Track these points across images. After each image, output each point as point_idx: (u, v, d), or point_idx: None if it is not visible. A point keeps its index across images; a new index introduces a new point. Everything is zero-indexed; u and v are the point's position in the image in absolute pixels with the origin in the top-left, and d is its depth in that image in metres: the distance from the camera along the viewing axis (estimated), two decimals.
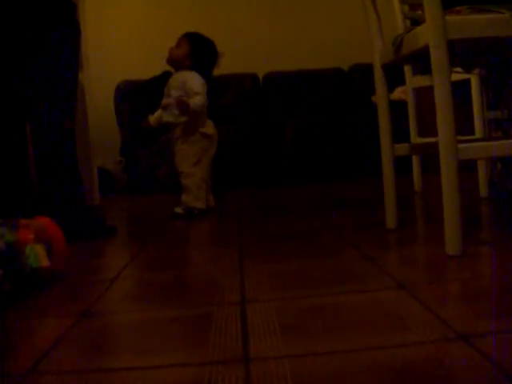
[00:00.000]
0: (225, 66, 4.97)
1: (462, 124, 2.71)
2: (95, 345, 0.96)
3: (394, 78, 3.41)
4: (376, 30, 1.82)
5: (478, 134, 2.49)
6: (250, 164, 4.32)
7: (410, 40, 1.55)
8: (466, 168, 2.32)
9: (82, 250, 1.92)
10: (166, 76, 4.51)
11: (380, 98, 1.83)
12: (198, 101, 2.60)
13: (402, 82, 3.04)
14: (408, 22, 2.65)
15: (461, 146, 1.39)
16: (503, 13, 1.44)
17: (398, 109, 3.54)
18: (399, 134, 2.99)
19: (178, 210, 2.63)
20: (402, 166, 2.19)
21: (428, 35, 1.41)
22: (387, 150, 1.82)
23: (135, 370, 0.85)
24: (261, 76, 5.03)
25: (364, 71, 4.62)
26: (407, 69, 2.88)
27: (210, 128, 2.71)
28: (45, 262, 1.40)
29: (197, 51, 2.69)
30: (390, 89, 4.33)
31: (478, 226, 1.86)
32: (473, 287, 1.13)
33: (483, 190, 2.49)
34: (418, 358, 0.80)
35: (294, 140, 4.30)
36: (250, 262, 1.53)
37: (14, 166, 2.17)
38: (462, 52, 1.68)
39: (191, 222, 2.48)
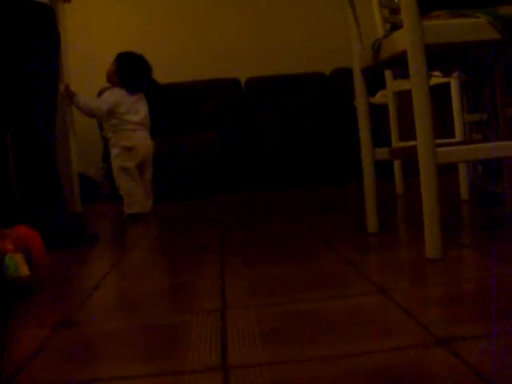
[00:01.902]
0: (207, 71, 5.01)
1: (443, 127, 2.74)
2: (74, 356, 0.95)
3: (377, 81, 3.45)
4: (355, 34, 1.83)
5: (458, 136, 2.51)
6: (233, 169, 4.31)
7: (389, 44, 1.56)
8: (448, 169, 2.35)
9: (63, 258, 1.91)
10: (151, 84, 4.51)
11: (360, 102, 1.84)
12: (89, 100, 3.02)
13: (384, 86, 3.05)
14: (388, 27, 2.65)
15: (439, 149, 1.40)
16: (479, 17, 1.45)
17: (380, 112, 3.57)
18: (383, 137, 3.02)
19: (126, 215, 2.94)
20: (385, 170, 2.21)
21: (406, 40, 1.42)
22: (367, 155, 1.83)
23: (114, 380, 0.84)
24: (243, 81, 5.03)
25: (345, 75, 4.62)
26: (388, 73, 2.90)
27: (130, 141, 2.94)
28: (24, 272, 1.39)
29: (122, 68, 2.98)
30: (373, 93, 4.38)
31: (458, 229, 1.87)
32: (452, 291, 1.14)
33: (464, 193, 2.50)
34: (398, 364, 0.80)
35: (277, 145, 4.30)
36: (231, 267, 1.53)
37: None
38: (440, 56, 1.69)
39: (173, 228, 2.47)
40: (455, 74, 2.30)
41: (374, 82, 3.20)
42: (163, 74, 4.80)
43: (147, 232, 2.48)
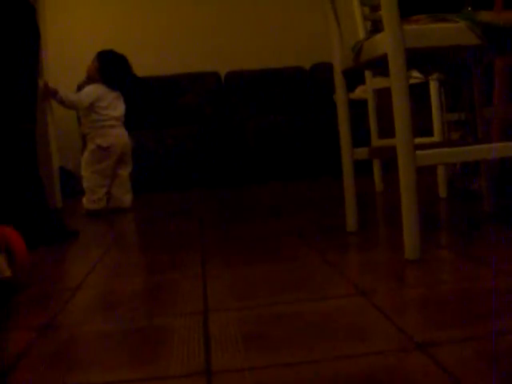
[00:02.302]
0: (187, 65, 5.01)
1: (421, 125, 2.77)
2: (57, 360, 0.96)
3: (355, 77, 3.47)
4: (336, 35, 1.85)
5: (437, 135, 2.54)
6: (212, 163, 4.32)
7: (369, 47, 1.58)
8: (426, 167, 2.38)
9: (44, 257, 1.91)
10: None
11: (340, 103, 1.86)
12: (71, 93, 3.05)
13: (363, 81, 3.08)
14: (368, 24, 2.69)
15: (419, 152, 1.42)
16: (459, 22, 1.47)
17: (359, 108, 3.59)
18: (361, 132, 3.05)
19: (83, 211, 3.04)
20: (363, 166, 2.23)
21: (386, 44, 1.44)
22: (347, 154, 1.85)
23: None
24: (223, 75, 5.04)
25: (325, 70, 4.65)
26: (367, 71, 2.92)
27: (106, 139, 3.02)
28: (6, 273, 1.39)
29: (104, 66, 3.06)
30: (351, 88, 4.40)
31: (436, 229, 1.89)
32: (430, 295, 1.16)
33: (442, 191, 2.54)
34: (376, 369, 0.82)
35: (256, 139, 4.32)
36: (212, 268, 1.54)
37: None
38: (419, 57, 1.71)
39: (153, 224, 2.48)
40: (434, 76, 2.32)
41: (353, 77, 3.23)
42: (143, 66, 4.78)
43: (127, 228, 2.49)
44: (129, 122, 4.36)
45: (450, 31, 1.46)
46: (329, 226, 2.07)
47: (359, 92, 4.35)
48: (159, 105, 4.65)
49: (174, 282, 1.44)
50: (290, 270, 1.46)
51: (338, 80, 1.85)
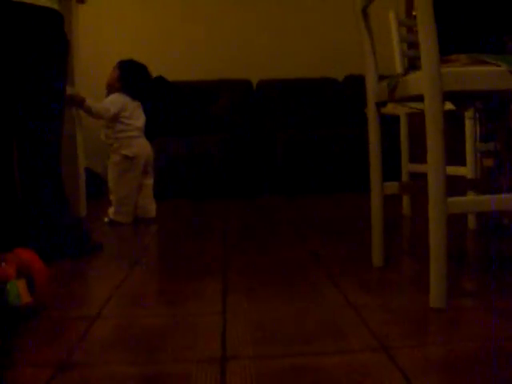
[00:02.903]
0: (218, 71, 4.99)
1: (453, 152, 2.71)
2: None
3: None
4: (371, 67, 1.81)
5: (469, 164, 2.48)
6: (240, 174, 4.29)
7: (405, 85, 1.54)
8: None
9: (64, 274, 1.90)
10: (159, 81, 4.51)
11: (372, 135, 1.82)
12: (98, 104, 2.96)
13: None
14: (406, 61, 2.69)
15: (450, 200, 1.38)
16: (499, 65, 1.42)
17: (391, 124, 3.53)
18: (392, 153, 2.99)
19: (106, 219, 3.01)
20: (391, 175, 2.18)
21: (423, 85, 1.40)
22: (377, 189, 1.81)
23: None
24: (255, 83, 5.01)
25: (358, 82, 4.59)
26: None
27: (132, 150, 3.00)
28: (26, 299, 1.39)
29: (125, 75, 3.04)
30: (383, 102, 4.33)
31: (463, 268, 1.85)
32: (454, 354, 1.12)
33: (471, 222, 2.48)
34: None
35: (285, 153, 4.28)
36: (232, 302, 1.52)
37: (0, 183, 2.14)
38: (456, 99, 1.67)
39: (176, 241, 2.48)
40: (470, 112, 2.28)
41: None
42: (173, 71, 4.80)
43: (150, 244, 2.48)
44: (157, 127, 4.39)
45: (491, 75, 1.41)
46: (355, 256, 2.03)
47: (391, 108, 4.29)
48: (188, 111, 4.63)
49: (194, 318, 1.42)
50: (311, 310, 1.44)
51: (372, 112, 1.81)
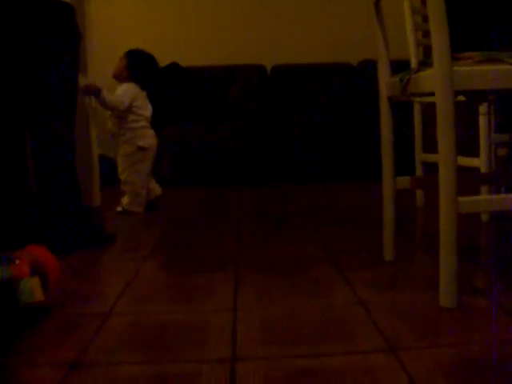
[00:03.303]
0: (233, 57, 4.97)
1: (468, 143, 2.69)
2: None
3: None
4: (384, 62, 1.80)
5: (483, 155, 2.46)
6: (253, 160, 4.29)
7: (417, 82, 1.53)
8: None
9: (76, 268, 1.92)
10: (173, 67, 4.50)
11: (384, 129, 1.81)
12: (111, 96, 2.94)
13: None
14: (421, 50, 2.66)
15: (461, 199, 1.37)
16: None
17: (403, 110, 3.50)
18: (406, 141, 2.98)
19: (119, 208, 3.04)
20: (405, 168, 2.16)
21: (435, 83, 1.39)
22: (388, 184, 1.81)
23: None
24: (269, 68, 4.99)
25: (373, 67, 4.55)
26: None
27: (146, 141, 3.04)
28: (39, 297, 1.40)
29: (133, 65, 3.04)
30: None
31: (476, 265, 1.84)
32: (463, 358, 1.13)
33: (485, 214, 2.46)
34: None
35: (300, 138, 4.26)
36: (243, 299, 1.54)
37: (14, 177, 2.16)
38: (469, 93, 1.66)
39: (189, 231, 2.50)
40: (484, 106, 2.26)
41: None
42: (187, 57, 4.79)
43: (162, 235, 2.49)
44: (171, 115, 4.39)
45: (503, 74, 1.40)
46: (367, 248, 2.04)
47: None
48: (202, 97, 4.62)
49: (205, 315, 1.43)
50: (322, 308, 1.45)
51: (384, 107, 1.81)
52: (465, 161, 2.55)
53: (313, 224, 2.58)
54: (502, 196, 1.42)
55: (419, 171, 2.87)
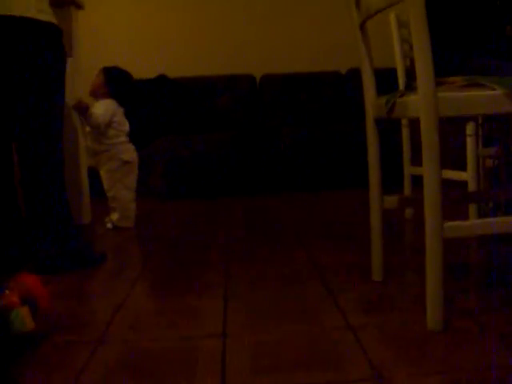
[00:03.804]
0: (222, 67, 4.98)
1: (455, 156, 2.72)
2: None
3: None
4: (370, 83, 1.82)
5: (470, 170, 2.48)
6: (245, 171, 4.29)
7: (402, 107, 1.55)
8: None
9: (66, 292, 1.92)
10: (161, 79, 4.51)
11: (371, 149, 1.83)
12: (96, 112, 2.92)
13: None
14: (408, 61, 2.67)
15: (447, 225, 1.39)
16: (495, 88, 1.43)
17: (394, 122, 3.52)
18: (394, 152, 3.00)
19: (109, 225, 3.05)
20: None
21: (419, 111, 1.40)
22: (376, 204, 1.82)
23: None
24: (258, 77, 5.01)
25: (361, 75, 4.57)
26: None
27: (129, 154, 3.07)
28: (30, 326, 1.41)
29: (110, 80, 3.06)
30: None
31: (464, 281, 1.86)
32: None
33: None
34: None
35: (290, 148, 4.27)
36: (232, 323, 1.55)
37: (1, 197, 2.17)
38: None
39: (180, 249, 2.50)
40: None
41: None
42: (176, 67, 4.80)
43: (152, 254, 2.49)
44: (159, 127, 4.40)
45: (487, 99, 1.42)
46: (357, 265, 2.05)
47: None
48: (191, 109, 4.63)
49: (195, 342, 1.44)
50: (311, 334, 1.46)
51: (370, 128, 1.82)
52: (452, 174, 2.58)
53: (303, 238, 2.59)
54: (487, 220, 1.44)
55: (408, 184, 2.89)
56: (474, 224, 1.43)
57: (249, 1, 5.16)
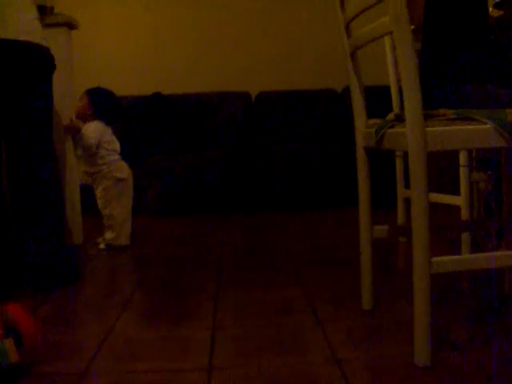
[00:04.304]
0: (217, 84, 4.99)
1: (449, 181, 2.72)
2: None
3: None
4: (360, 111, 1.81)
5: (463, 194, 2.48)
6: (237, 191, 4.28)
7: (391, 139, 1.55)
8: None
9: (53, 317, 1.92)
10: (156, 97, 4.52)
11: (361, 180, 1.82)
12: (87, 134, 2.94)
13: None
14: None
15: (434, 259, 1.38)
16: (485, 123, 1.42)
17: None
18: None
19: (102, 246, 3.03)
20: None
21: (408, 144, 1.40)
22: (366, 233, 1.82)
23: None
24: (253, 95, 5.02)
25: None
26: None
27: (123, 172, 3.05)
28: (14, 358, 1.40)
29: (98, 102, 3.05)
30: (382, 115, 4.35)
31: (451, 310, 1.85)
32: None
33: (465, 251, 2.47)
34: None
35: (284, 168, 4.27)
36: (219, 354, 1.54)
37: None
38: None
39: (171, 270, 2.50)
40: None
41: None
42: (171, 85, 4.81)
43: (142, 276, 2.49)
44: (153, 145, 4.40)
45: (477, 134, 1.41)
46: (347, 293, 2.06)
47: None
48: (186, 127, 4.63)
49: (181, 375, 1.43)
50: (297, 368, 1.45)
51: (360, 156, 1.82)
52: (446, 199, 2.58)
53: (294, 263, 2.58)
54: (475, 256, 1.43)
55: (401, 209, 2.88)
56: (462, 259, 1.42)
57: (244, 19, 5.18)
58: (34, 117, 2.20)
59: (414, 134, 1.38)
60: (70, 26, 2.95)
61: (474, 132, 1.41)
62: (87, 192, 3.17)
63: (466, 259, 1.42)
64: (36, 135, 2.23)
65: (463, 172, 2.40)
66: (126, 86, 4.66)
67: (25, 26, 2.12)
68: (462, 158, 2.39)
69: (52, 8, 2.79)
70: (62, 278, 2.21)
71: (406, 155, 2.69)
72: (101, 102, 3.06)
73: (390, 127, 1.58)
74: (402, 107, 1.52)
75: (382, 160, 2.96)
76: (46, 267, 2.18)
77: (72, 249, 2.66)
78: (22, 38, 2.11)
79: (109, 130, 3.07)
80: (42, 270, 2.18)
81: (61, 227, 2.27)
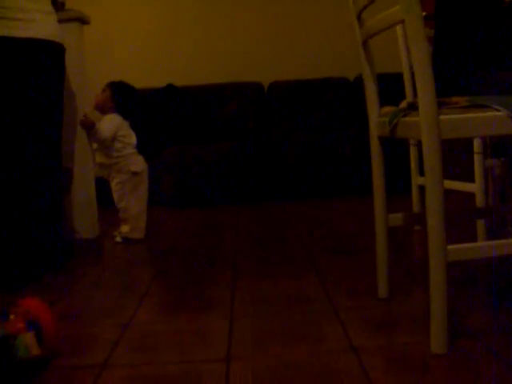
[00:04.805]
0: (229, 74, 4.99)
1: (463, 168, 2.70)
2: None
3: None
4: (373, 102, 1.81)
5: (478, 181, 2.47)
6: (251, 180, 4.29)
7: (404, 128, 1.55)
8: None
9: (71, 311, 1.94)
10: (169, 89, 4.52)
11: (375, 169, 1.82)
12: (103, 127, 2.96)
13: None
14: None
15: (450, 247, 1.39)
16: (499, 110, 1.42)
17: None
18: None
19: (118, 239, 3.05)
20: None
21: (421, 133, 1.40)
22: (381, 221, 1.82)
23: None
24: (266, 85, 5.01)
25: None
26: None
27: (138, 165, 3.06)
28: (35, 351, 1.42)
29: (119, 95, 3.08)
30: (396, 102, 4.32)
31: (469, 299, 1.84)
32: None
33: (481, 240, 2.47)
34: None
35: (298, 157, 4.28)
36: (238, 347, 1.55)
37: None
38: None
39: (190, 263, 2.51)
40: None
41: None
42: (183, 76, 4.81)
43: (159, 269, 2.50)
44: (167, 137, 4.41)
45: (490, 121, 1.40)
46: (363, 282, 2.06)
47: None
48: (198, 117, 4.64)
49: (199, 366, 1.44)
50: (314, 357, 1.46)
51: (374, 146, 1.82)
52: (460, 185, 2.57)
53: (309, 253, 2.58)
54: (491, 243, 1.43)
55: (416, 197, 2.88)
56: (478, 246, 1.42)
57: (256, 9, 5.17)
58: (44, 112, 2.22)
59: (428, 123, 1.38)
60: (82, 21, 2.97)
61: (488, 119, 1.41)
62: (103, 184, 3.20)
63: (482, 246, 1.42)
64: (45, 137, 2.27)
65: (477, 159, 2.39)
66: (138, 78, 4.62)
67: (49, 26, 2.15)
68: (476, 144, 2.38)
69: (63, 3, 2.81)
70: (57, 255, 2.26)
71: (420, 143, 2.69)
72: (122, 96, 3.09)
73: (403, 116, 1.57)
74: (414, 95, 1.51)
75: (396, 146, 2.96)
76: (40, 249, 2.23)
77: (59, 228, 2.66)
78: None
79: (126, 124, 3.08)
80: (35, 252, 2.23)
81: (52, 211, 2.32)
